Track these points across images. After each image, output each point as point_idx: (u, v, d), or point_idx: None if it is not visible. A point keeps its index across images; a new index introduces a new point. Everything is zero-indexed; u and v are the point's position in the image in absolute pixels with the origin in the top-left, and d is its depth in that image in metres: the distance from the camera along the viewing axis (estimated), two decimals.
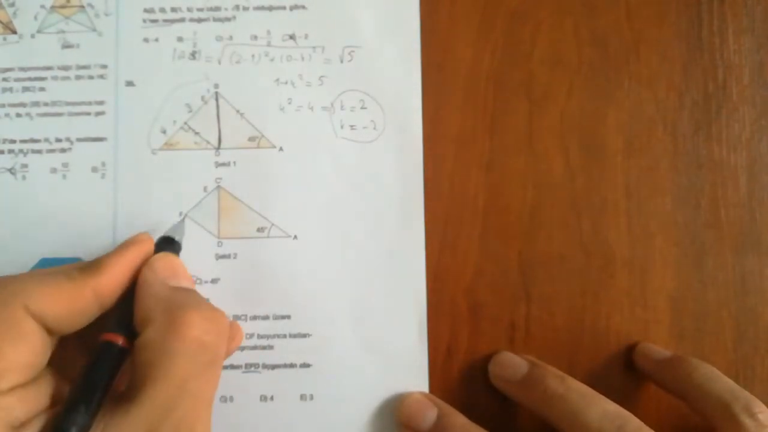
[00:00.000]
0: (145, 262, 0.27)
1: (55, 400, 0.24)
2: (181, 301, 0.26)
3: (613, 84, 0.34)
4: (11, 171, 0.32)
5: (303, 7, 0.33)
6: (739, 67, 0.34)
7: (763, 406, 0.28)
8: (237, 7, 0.33)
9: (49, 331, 0.24)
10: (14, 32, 0.33)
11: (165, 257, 0.28)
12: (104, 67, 0.33)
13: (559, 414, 0.29)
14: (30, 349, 0.23)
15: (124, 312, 0.26)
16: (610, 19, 0.34)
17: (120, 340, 0.25)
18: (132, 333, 0.25)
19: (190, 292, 0.27)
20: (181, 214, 0.32)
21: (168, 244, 0.29)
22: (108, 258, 0.26)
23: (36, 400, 0.23)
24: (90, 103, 0.33)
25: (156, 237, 0.29)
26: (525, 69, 0.34)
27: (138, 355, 0.24)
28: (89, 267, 0.26)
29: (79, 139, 0.32)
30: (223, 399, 0.31)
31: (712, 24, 0.34)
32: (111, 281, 0.26)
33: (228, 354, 0.31)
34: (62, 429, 0.22)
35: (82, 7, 0.33)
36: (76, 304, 0.25)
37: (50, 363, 0.25)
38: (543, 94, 0.33)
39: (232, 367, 0.31)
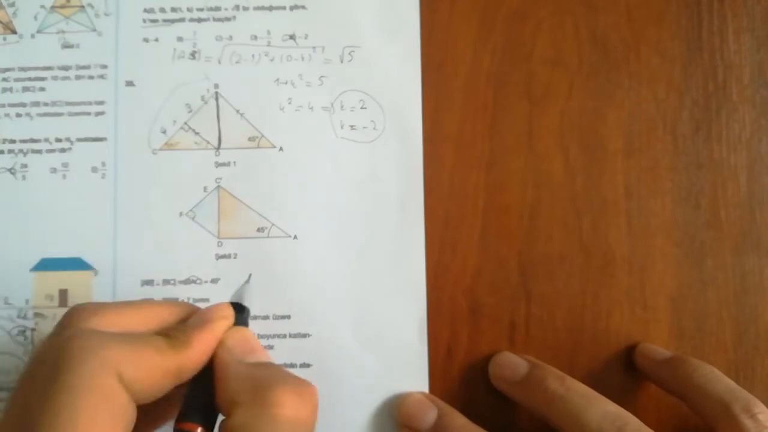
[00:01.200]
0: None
1: None
2: (267, 378, 0.24)
3: (613, 84, 0.34)
4: (11, 171, 0.32)
5: (303, 7, 0.33)
6: (739, 67, 0.34)
7: (763, 407, 0.28)
8: (237, 7, 0.33)
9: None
10: (14, 32, 0.33)
11: (237, 332, 0.26)
12: (104, 67, 0.33)
13: (559, 414, 0.29)
14: (122, 424, 0.22)
15: (199, 396, 0.25)
16: (610, 19, 0.34)
17: (198, 430, 0.24)
18: (209, 419, 0.25)
19: (273, 367, 0.25)
20: (181, 213, 0.32)
21: (238, 312, 0.27)
22: (196, 333, 0.25)
23: None
24: (90, 103, 0.33)
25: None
26: (525, 69, 0.34)
27: None
28: (178, 341, 0.24)
29: (79, 139, 0.32)
30: None
31: (712, 24, 0.34)
32: (197, 358, 0.25)
33: None
34: None
35: (82, 7, 0.33)
36: (162, 378, 0.24)
37: None
38: (543, 94, 0.33)
39: None
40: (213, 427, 0.24)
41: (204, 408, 0.25)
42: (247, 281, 0.32)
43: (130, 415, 0.22)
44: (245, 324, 0.28)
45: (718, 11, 0.34)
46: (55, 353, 0.22)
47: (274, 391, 0.23)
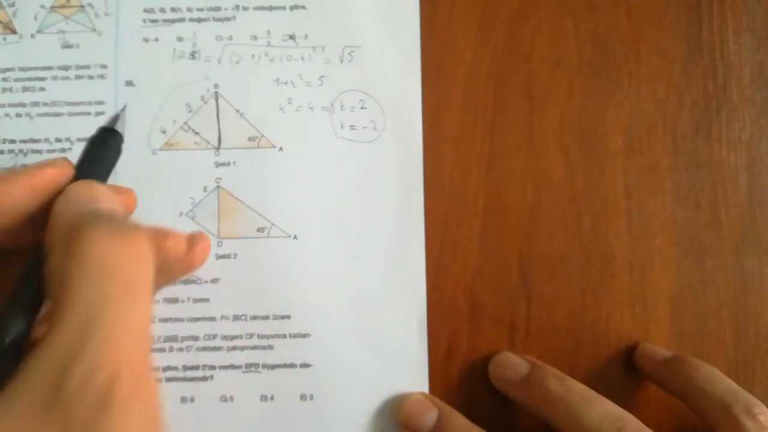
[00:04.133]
0: (61, 185, 0.24)
1: None
2: (84, 220, 0.21)
3: (613, 84, 0.34)
4: None
5: (303, 7, 0.33)
6: (739, 67, 0.34)
7: (764, 408, 0.28)
8: (237, 7, 0.33)
9: None
10: (14, 32, 0.33)
11: (82, 184, 0.24)
12: (104, 67, 0.33)
13: (559, 415, 0.29)
14: None
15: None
16: (610, 19, 0.34)
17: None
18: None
19: (101, 212, 0.23)
20: (181, 214, 0.32)
21: (109, 135, 0.27)
22: (12, 171, 0.24)
23: None
24: (90, 103, 0.33)
25: None
26: (525, 69, 0.34)
27: (48, 287, 0.21)
28: None
29: (79, 139, 0.32)
30: (223, 399, 0.31)
31: (712, 24, 0.34)
32: (11, 192, 0.23)
33: (191, 268, 0.28)
34: None
35: (82, 7, 0.33)
36: None
37: None
38: (543, 94, 0.33)
39: (232, 367, 0.31)
40: None
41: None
42: (123, 109, 0.29)
43: None
44: (116, 151, 0.27)
45: (718, 11, 0.34)
46: None
47: (85, 231, 0.20)
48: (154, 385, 0.21)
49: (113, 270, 0.20)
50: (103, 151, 0.27)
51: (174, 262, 0.26)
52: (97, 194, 0.23)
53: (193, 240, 0.27)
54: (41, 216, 0.23)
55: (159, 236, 0.25)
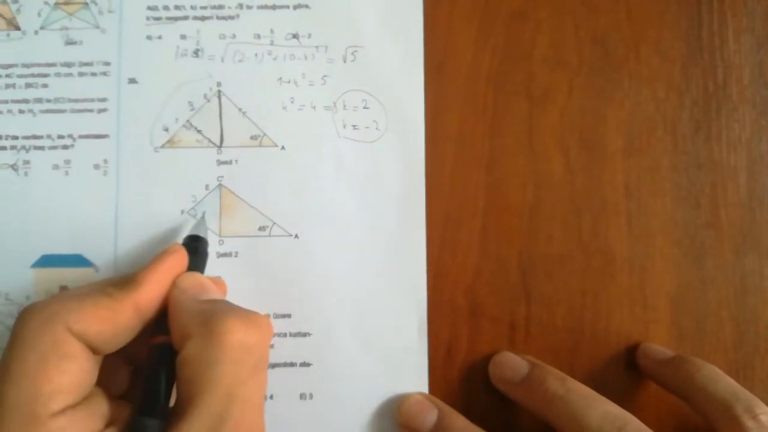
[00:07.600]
0: (180, 272, 0.27)
1: (105, 419, 0.24)
2: (215, 310, 0.25)
3: (613, 84, 0.34)
4: (13, 167, 0.32)
5: (306, 6, 0.33)
6: (739, 67, 0.34)
7: (766, 408, 0.28)
8: (240, 6, 0.33)
9: (94, 350, 0.24)
10: (18, 28, 0.33)
11: (190, 276, 0.27)
12: (107, 64, 0.33)
13: (559, 415, 0.29)
14: (77, 370, 0.23)
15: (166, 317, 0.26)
16: (610, 19, 0.34)
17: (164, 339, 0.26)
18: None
19: (224, 302, 0.27)
20: (182, 212, 0.32)
21: (195, 242, 0.30)
22: (144, 272, 0.26)
23: (88, 419, 0.24)
24: (93, 100, 0.33)
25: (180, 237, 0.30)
26: (525, 69, 0.34)
27: (181, 372, 0.24)
28: (127, 283, 0.26)
29: (81, 136, 0.32)
30: None
31: (712, 24, 0.34)
32: (150, 295, 0.26)
33: None
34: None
35: (86, 3, 0.33)
36: (118, 320, 0.25)
37: (96, 382, 0.25)
38: (543, 94, 0.34)
39: None
40: None
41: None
42: (203, 217, 0.32)
43: (85, 362, 0.24)
44: (204, 254, 0.30)
45: (718, 11, 0.34)
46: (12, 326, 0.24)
47: (222, 320, 0.24)
48: None
49: (249, 350, 0.24)
50: (193, 253, 0.29)
51: None
52: (205, 285, 0.27)
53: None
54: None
55: None
